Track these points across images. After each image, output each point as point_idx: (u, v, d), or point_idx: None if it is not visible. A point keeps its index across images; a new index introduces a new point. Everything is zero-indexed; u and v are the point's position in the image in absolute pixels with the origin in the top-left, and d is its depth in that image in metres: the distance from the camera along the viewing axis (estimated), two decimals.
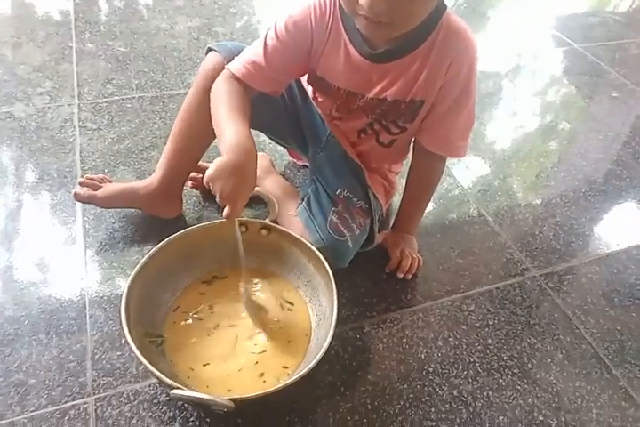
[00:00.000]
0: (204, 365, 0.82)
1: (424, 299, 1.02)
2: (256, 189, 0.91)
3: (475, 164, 1.36)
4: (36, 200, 1.13)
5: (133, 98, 1.42)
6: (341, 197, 0.97)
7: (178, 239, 0.88)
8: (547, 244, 1.16)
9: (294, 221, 0.98)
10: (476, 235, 1.16)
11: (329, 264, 0.85)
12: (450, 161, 1.15)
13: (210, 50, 0.95)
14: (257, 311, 0.88)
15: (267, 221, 0.94)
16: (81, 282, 0.98)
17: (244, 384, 0.79)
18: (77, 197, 1.03)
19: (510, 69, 1.80)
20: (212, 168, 0.74)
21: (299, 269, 0.92)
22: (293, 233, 0.91)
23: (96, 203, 1.05)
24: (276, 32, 0.85)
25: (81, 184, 1.04)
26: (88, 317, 0.92)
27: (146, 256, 0.84)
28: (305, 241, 0.89)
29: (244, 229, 0.90)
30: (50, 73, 1.48)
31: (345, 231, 0.94)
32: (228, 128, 0.78)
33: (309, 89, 1.01)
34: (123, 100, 1.41)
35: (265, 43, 0.85)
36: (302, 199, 1.02)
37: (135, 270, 0.82)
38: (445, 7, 0.81)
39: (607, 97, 1.70)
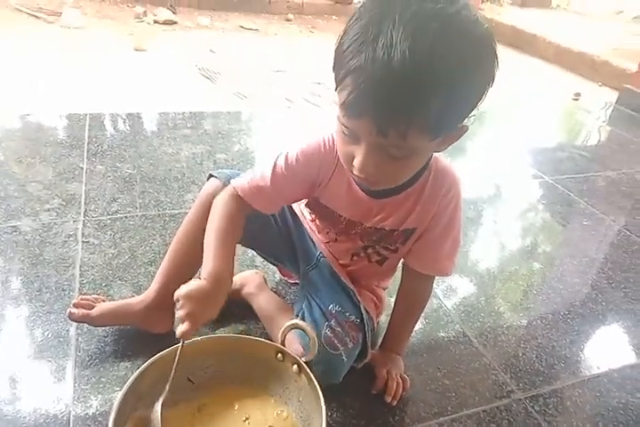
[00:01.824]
0: None
1: (412, 421, 1.01)
2: (299, 321, 0.91)
3: (458, 285, 1.42)
4: (32, 312, 1.15)
5: (136, 216, 1.50)
6: (334, 311, 1.01)
7: (167, 356, 0.87)
8: (530, 366, 1.18)
9: (289, 336, 1.00)
10: (461, 355, 1.19)
11: (323, 380, 0.85)
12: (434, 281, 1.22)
13: (211, 176, 1.05)
14: None
15: (303, 359, 0.89)
16: (67, 397, 0.97)
17: None
18: (72, 317, 1.06)
19: (488, 198, 1.94)
20: (186, 287, 0.82)
21: (307, 414, 0.88)
22: (317, 382, 0.84)
23: (89, 322, 1.07)
24: (286, 161, 0.92)
25: (75, 305, 1.07)
26: None
27: (134, 374, 0.83)
28: (319, 390, 0.83)
29: (280, 358, 0.90)
30: (59, 191, 1.57)
31: (339, 345, 0.96)
32: (213, 258, 0.88)
33: (306, 212, 1.09)
34: (126, 217, 1.49)
35: (274, 168, 0.93)
36: (296, 315, 1.05)
37: (124, 390, 0.80)
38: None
39: (579, 225, 1.83)
